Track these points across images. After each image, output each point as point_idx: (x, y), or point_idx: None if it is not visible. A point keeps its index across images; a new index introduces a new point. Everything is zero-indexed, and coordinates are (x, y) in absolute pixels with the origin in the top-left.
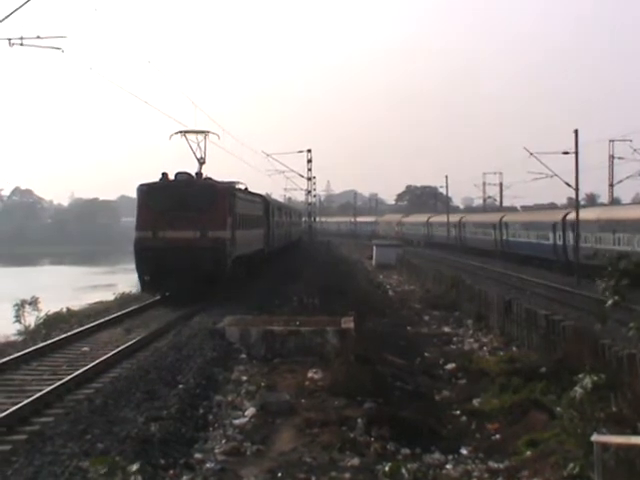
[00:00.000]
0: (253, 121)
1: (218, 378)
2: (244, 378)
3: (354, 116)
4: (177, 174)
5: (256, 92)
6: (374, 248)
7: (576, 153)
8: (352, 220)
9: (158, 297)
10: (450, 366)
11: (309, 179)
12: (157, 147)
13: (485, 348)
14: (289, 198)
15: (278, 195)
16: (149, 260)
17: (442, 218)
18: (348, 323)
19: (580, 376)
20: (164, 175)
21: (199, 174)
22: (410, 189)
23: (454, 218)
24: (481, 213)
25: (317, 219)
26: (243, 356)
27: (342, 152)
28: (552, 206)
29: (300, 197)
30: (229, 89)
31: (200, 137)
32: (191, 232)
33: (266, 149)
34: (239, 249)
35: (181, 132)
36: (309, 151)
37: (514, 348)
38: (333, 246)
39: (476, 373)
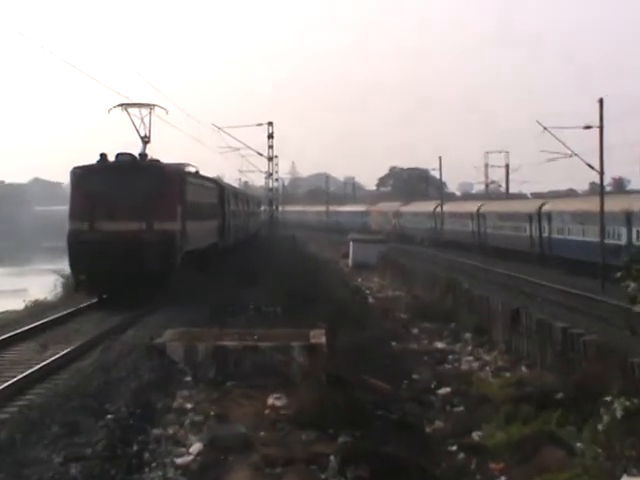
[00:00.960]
0: (203, 92)
1: (156, 406)
2: (189, 406)
3: (325, 84)
4: (118, 155)
5: (208, 60)
6: (350, 244)
7: (600, 128)
8: (325, 209)
9: (89, 302)
10: (444, 390)
11: (270, 159)
12: (98, 126)
13: (487, 368)
14: (245, 182)
15: (231, 178)
16: (85, 256)
17: (457, 207)
18: (318, 337)
19: (607, 399)
20: (103, 156)
21: (143, 155)
22: (395, 172)
23: (469, 206)
24: (508, 200)
25: (280, 208)
26: (188, 378)
27: (310, 127)
28: (571, 193)
29: (259, 181)
30: (178, 57)
31: (145, 111)
32: (135, 223)
33: (218, 122)
34: (190, 243)
35: (122, 105)
36: (270, 124)
37: (523, 368)
38: (299, 242)
39: (476, 399)
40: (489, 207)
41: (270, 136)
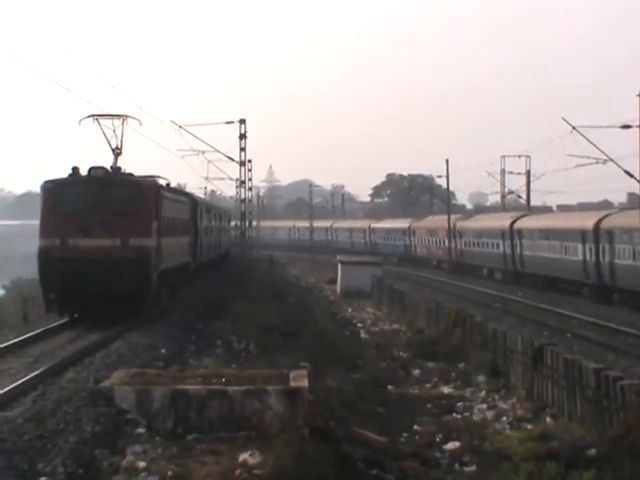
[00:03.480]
0: (162, 86)
1: (102, 465)
2: (141, 465)
3: (309, 80)
4: (91, 169)
5: (168, 49)
6: (339, 267)
7: None
8: (330, 225)
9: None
10: (452, 445)
11: (242, 163)
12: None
13: (505, 419)
14: (211, 191)
15: (195, 187)
16: (56, 274)
17: (560, 221)
18: (300, 379)
19: None
20: (75, 170)
21: (117, 168)
22: (393, 179)
23: (579, 220)
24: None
25: (254, 223)
26: (141, 430)
27: (291, 127)
28: (604, 205)
29: (230, 190)
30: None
31: (117, 122)
32: (109, 240)
33: (178, 120)
34: (165, 261)
35: (93, 116)
36: (242, 122)
37: (548, 419)
38: (278, 265)
39: (491, 456)
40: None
41: (242, 136)
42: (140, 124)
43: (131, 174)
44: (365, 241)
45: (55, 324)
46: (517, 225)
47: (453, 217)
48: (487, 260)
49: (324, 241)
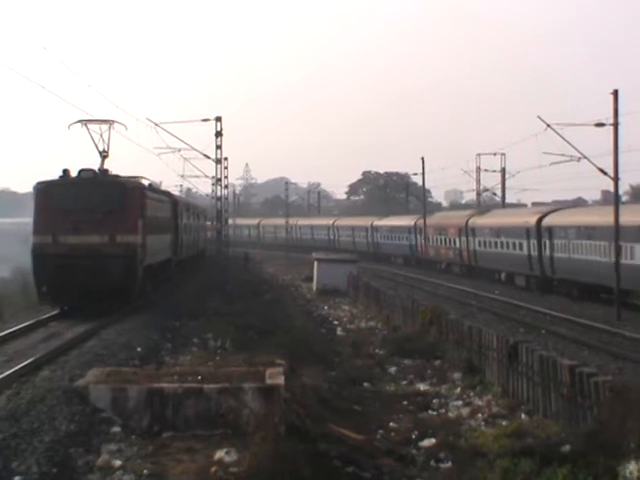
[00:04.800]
0: (138, 83)
1: (76, 464)
2: (117, 463)
3: (285, 78)
4: (80, 171)
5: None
6: (315, 265)
7: (615, 125)
8: (332, 223)
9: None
10: (428, 442)
11: (218, 161)
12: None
13: (480, 415)
14: (187, 189)
15: (171, 184)
16: (48, 269)
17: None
18: (276, 377)
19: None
20: (65, 172)
21: (104, 170)
22: (369, 177)
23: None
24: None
25: (230, 221)
26: (116, 429)
27: (267, 125)
28: (580, 203)
29: (205, 187)
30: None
31: (104, 127)
32: (98, 237)
33: (154, 117)
34: (149, 257)
35: (82, 121)
36: (219, 120)
37: (523, 415)
38: (254, 263)
39: (467, 453)
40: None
41: (218, 134)
42: (126, 129)
43: (118, 176)
44: (367, 241)
45: (30, 322)
46: (547, 222)
47: (466, 212)
48: (506, 263)
49: (325, 241)
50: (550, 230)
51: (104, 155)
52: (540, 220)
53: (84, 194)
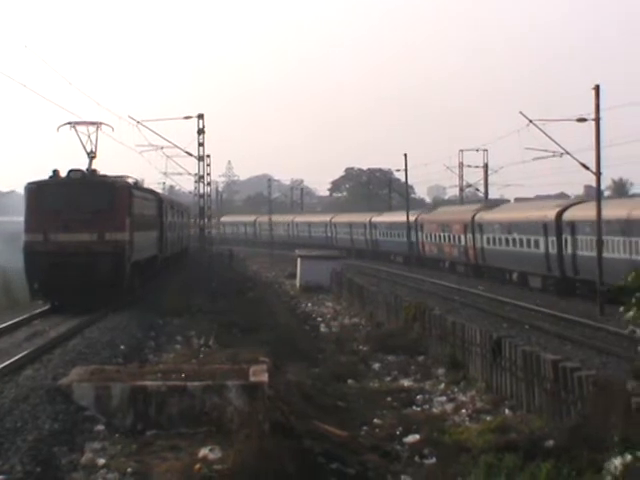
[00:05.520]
0: (119, 80)
1: (60, 462)
2: (101, 461)
3: (267, 75)
4: (70, 171)
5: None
6: (298, 262)
7: (597, 120)
8: (329, 220)
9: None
10: (412, 438)
11: (201, 158)
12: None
13: (464, 411)
14: (170, 187)
15: (153, 182)
16: (39, 266)
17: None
18: (260, 374)
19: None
20: (55, 172)
21: (93, 170)
22: (351, 174)
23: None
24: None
25: (214, 220)
26: (100, 427)
27: (250, 122)
28: (561, 198)
29: (188, 185)
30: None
31: (92, 129)
32: (87, 234)
33: (136, 115)
34: (137, 254)
35: (70, 123)
36: (201, 117)
37: (507, 411)
38: (238, 260)
39: (451, 448)
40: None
41: (201, 131)
42: (113, 130)
43: (105, 175)
44: (365, 238)
45: (14, 320)
46: (568, 216)
47: (473, 207)
48: (519, 262)
49: (322, 238)
50: (573, 225)
51: (92, 156)
52: (560, 214)
53: (74, 194)
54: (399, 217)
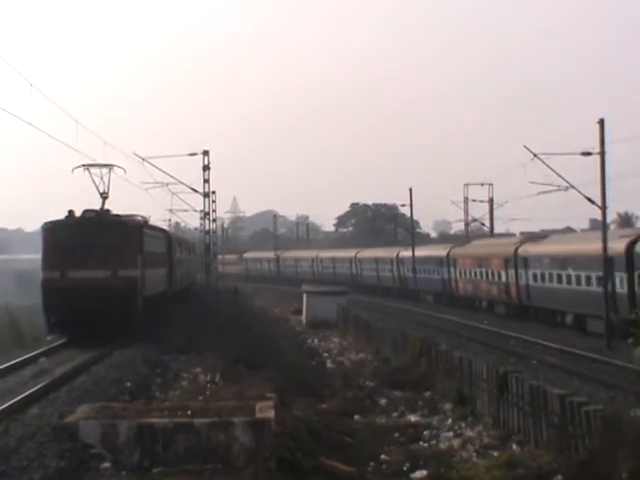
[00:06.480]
0: (124, 116)
1: None
2: None
3: (272, 111)
4: (84, 211)
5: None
6: (304, 297)
7: (602, 154)
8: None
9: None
10: (419, 474)
11: (206, 195)
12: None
13: (471, 446)
14: (176, 223)
15: (159, 219)
16: (57, 301)
17: None
18: (266, 411)
19: None
20: (70, 212)
21: (106, 210)
22: (357, 209)
23: None
24: None
25: (220, 257)
26: (106, 465)
27: (255, 159)
28: (568, 231)
29: (193, 221)
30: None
31: (104, 170)
32: (101, 271)
33: (141, 152)
34: (148, 289)
35: (85, 166)
36: (206, 154)
37: (514, 446)
38: (244, 296)
39: None
40: None
41: (206, 168)
42: (125, 172)
43: (118, 215)
44: (392, 275)
45: (20, 359)
46: None
47: (514, 239)
48: (575, 302)
49: (348, 275)
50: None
51: (105, 196)
52: (631, 245)
53: (88, 233)
54: (429, 252)
